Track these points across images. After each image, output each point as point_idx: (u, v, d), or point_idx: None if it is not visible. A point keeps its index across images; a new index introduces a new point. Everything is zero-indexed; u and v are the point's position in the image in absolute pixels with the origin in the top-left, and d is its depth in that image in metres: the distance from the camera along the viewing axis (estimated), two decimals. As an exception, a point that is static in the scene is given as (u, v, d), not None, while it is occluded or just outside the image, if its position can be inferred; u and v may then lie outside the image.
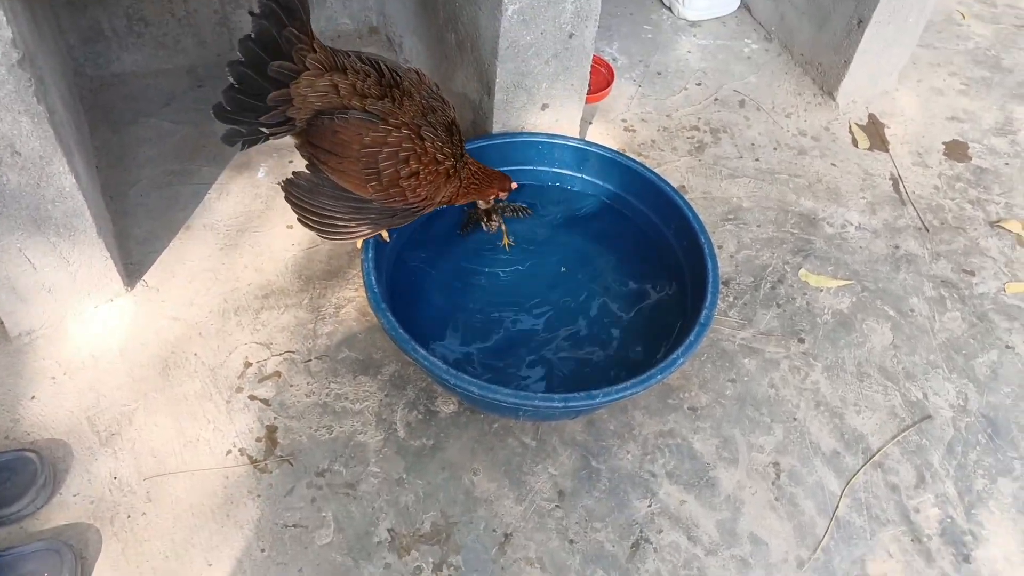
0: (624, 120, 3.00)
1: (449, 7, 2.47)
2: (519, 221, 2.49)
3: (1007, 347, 2.48)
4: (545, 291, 2.35)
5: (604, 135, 2.93)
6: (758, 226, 2.71)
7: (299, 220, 2.08)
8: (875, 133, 3.10)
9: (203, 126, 2.70)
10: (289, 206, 2.07)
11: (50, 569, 1.79)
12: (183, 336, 2.24)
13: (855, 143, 3.05)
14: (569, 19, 2.27)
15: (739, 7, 3.55)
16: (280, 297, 2.34)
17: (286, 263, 2.42)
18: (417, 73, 2.03)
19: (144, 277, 2.34)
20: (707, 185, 2.82)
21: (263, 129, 1.85)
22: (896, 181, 2.93)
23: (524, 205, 2.49)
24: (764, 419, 2.25)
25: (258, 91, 1.79)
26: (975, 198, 2.91)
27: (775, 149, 2.98)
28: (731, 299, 2.50)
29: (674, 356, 1.96)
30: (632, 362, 2.21)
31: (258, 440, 2.08)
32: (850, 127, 3.10)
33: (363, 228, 2.06)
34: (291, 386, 2.18)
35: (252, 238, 2.46)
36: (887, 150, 3.04)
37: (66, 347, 2.19)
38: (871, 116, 3.16)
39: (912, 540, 2.06)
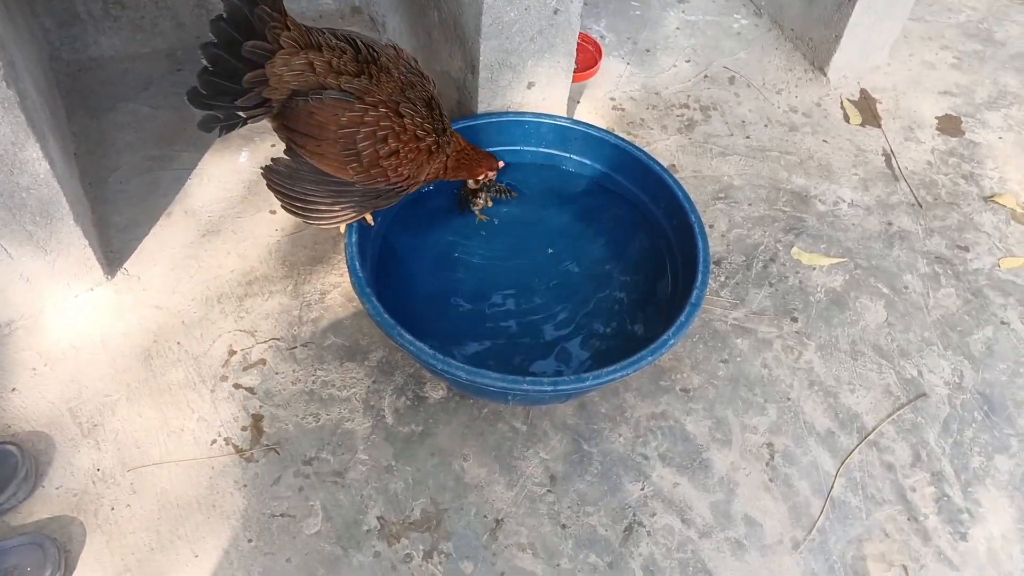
0: (613, 98, 2.96)
1: (432, -16, 2.42)
2: (505, 203, 2.44)
3: (1002, 323, 2.45)
4: (533, 273, 2.31)
5: (592, 114, 2.88)
6: (749, 204, 2.67)
7: (283, 207, 2.04)
8: (867, 108, 3.06)
9: (183, 110, 2.65)
10: (272, 193, 2.03)
11: (33, 563, 1.76)
12: (166, 325, 2.20)
13: (847, 119, 3.01)
14: (554, -6, 2.22)
15: (728, -18, 3.50)
16: (264, 284, 2.30)
17: (269, 249, 2.37)
18: (395, 48, 1.98)
19: (125, 265, 2.30)
20: (697, 163, 2.78)
21: (240, 113, 1.80)
22: (889, 157, 2.90)
23: (509, 187, 2.45)
24: (757, 399, 2.22)
25: (233, 73, 1.74)
26: (968, 173, 2.87)
27: (766, 126, 2.94)
28: (723, 278, 2.46)
29: (665, 337, 1.92)
30: (623, 344, 2.17)
31: (244, 429, 2.05)
32: (842, 103, 3.06)
33: (347, 212, 2.02)
34: (276, 374, 2.15)
35: (235, 224, 2.42)
36: (879, 125, 3.00)
37: (46, 338, 2.15)
38: (863, 91, 3.12)
39: (908, 519, 2.04)
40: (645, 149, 2.42)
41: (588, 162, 2.48)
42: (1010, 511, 2.07)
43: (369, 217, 2.11)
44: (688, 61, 3.14)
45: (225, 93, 1.75)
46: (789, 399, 2.22)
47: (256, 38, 1.73)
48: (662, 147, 2.81)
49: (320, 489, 1.97)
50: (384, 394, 2.14)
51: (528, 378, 1.88)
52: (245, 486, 1.96)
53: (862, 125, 3.00)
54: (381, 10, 2.96)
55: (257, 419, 2.06)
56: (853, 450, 2.14)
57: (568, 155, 2.49)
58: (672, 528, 1.98)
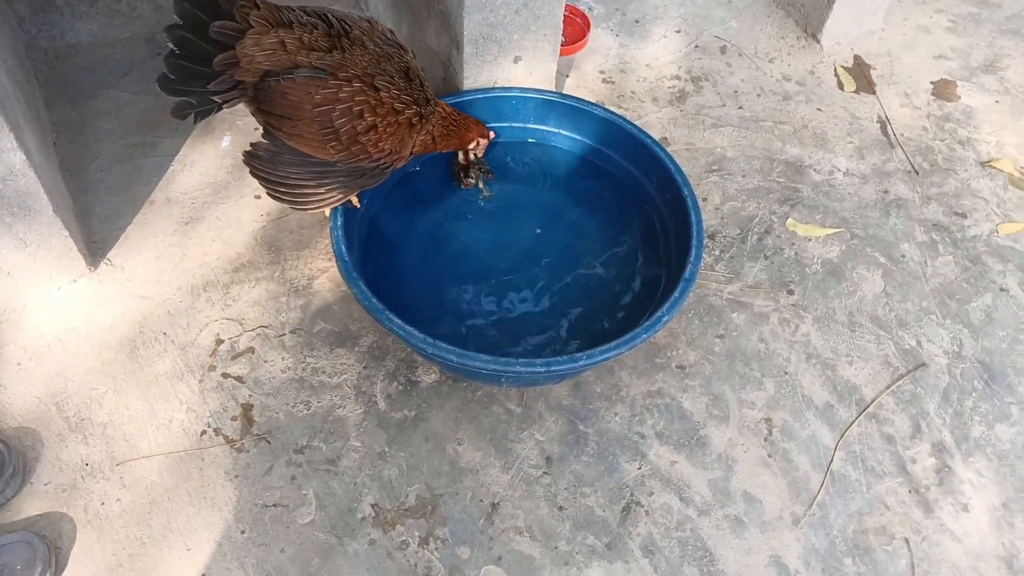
0: (602, 72, 2.91)
1: (413, -41, 2.37)
2: (494, 182, 2.40)
3: (1001, 290, 2.42)
4: (524, 252, 2.28)
5: (582, 88, 2.83)
6: (743, 176, 2.63)
7: (268, 193, 1.99)
8: (861, 75, 3.01)
9: (163, 96, 2.56)
10: (256, 180, 1.98)
11: (22, 561, 1.74)
12: (151, 315, 2.16)
13: (841, 86, 2.96)
14: (538, -35, 2.17)
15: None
16: (250, 270, 2.26)
17: (255, 235, 2.33)
18: (369, 21, 1.93)
19: (108, 255, 2.26)
20: (690, 136, 2.73)
21: (215, 98, 1.75)
22: (884, 124, 2.85)
23: (487, 167, 2.40)
24: (754, 374, 2.19)
25: (202, 56, 1.69)
26: (965, 138, 2.83)
27: (759, 96, 2.89)
28: (717, 252, 2.43)
29: (659, 314, 1.89)
30: (616, 322, 2.14)
31: (233, 419, 2.02)
32: (835, 70, 3.01)
33: (333, 194, 1.98)
34: (265, 362, 2.11)
35: (219, 210, 2.37)
36: (874, 92, 2.95)
37: (30, 332, 2.11)
38: (856, 58, 3.07)
39: (909, 491, 2.02)
40: (636, 122, 2.38)
41: (578, 137, 2.43)
42: (1012, 480, 2.05)
43: (355, 200, 2.07)
44: (678, 31, 3.09)
45: (196, 77, 1.70)
46: (787, 373, 2.19)
47: (223, 18, 1.68)
48: (653, 120, 2.76)
49: (313, 478, 1.94)
50: (375, 379, 2.10)
51: (521, 360, 1.84)
52: (236, 477, 1.93)
53: (856, 92, 2.95)
54: (363, -13, 2.91)
55: (247, 408, 2.03)
56: (852, 423, 2.12)
57: (557, 131, 2.45)
58: (670, 507, 1.96)
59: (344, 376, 2.10)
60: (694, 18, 3.15)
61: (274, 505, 1.90)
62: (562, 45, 2.53)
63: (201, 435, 1.98)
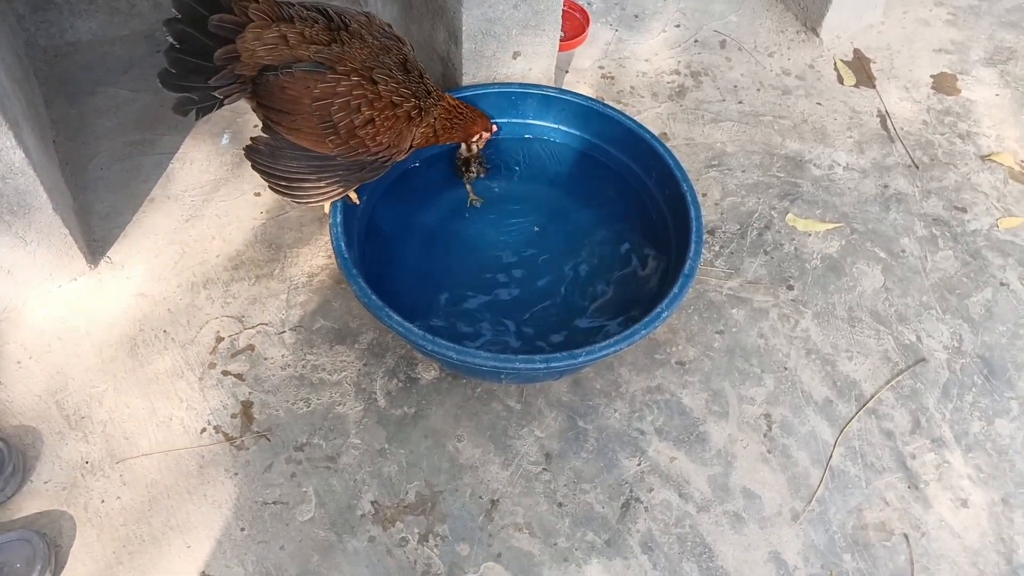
0: (601, 67, 2.90)
1: (411, -45, 2.36)
2: (493, 178, 2.39)
3: (1001, 284, 2.41)
4: (523, 247, 2.27)
5: (581, 83, 2.83)
6: (743, 171, 2.63)
7: (269, 187, 2.00)
8: (861, 69, 3.00)
9: (163, 93, 2.52)
10: (257, 174, 1.99)
11: (22, 559, 1.75)
12: (151, 313, 2.16)
13: (840, 80, 2.95)
14: (536, -39, 2.17)
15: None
16: (250, 268, 2.27)
17: (255, 232, 2.33)
18: (367, 15, 1.93)
19: (108, 253, 2.26)
20: (689, 131, 2.73)
21: (216, 94, 1.75)
22: (884, 118, 2.84)
23: (484, 162, 2.40)
24: (754, 370, 2.19)
25: (202, 50, 1.69)
26: (965, 132, 2.82)
27: (758, 90, 2.88)
28: (717, 248, 2.42)
29: (658, 310, 1.89)
30: (616, 317, 2.13)
31: (233, 416, 2.02)
32: (835, 64, 3.00)
33: (334, 187, 1.98)
34: (265, 359, 2.11)
35: (219, 207, 2.37)
36: (874, 86, 2.94)
37: (30, 330, 2.11)
38: (856, 51, 3.06)
39: (909, 487, 2.02)
40: (635, 118, 2.37)
41: (577, 133, 2.43)
42: (1011, 475, 2.05)
43: (354, 196, 2.07)
44: (678, 26, 3.08)
45: (196, 72, 1.71)
46: (786, 368, 2.19)
47: (222, 12, 1.68)
48: (653, 115, 2.76)
49: (313, 475, 1.95)
50: (375, 377, 2.11)
51: (520, 356, 1.85)
52: (236, 474, 1.93)
53: (856, 86, 2.94)
54: (362, -17, 2.90)
55: (247, 406, 2.04)
56: (852, 418, 2.12)
57: (556, 126, 2.44)
58: (670, 503, 1.96)
59: (344, 373, 2.11)
60: (693, 12, 3.14)
61: (274, 502, 1.90)
62: (561, 40, 2.53)
63: (201, 433, 1.99)
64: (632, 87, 2.84)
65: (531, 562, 1.86)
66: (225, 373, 2.08)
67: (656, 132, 2.55)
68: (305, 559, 1.83)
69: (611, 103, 2.68)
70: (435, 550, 1.86)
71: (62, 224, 2.05)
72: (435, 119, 2.06)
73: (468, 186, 2.36)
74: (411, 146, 2.03)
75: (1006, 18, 3.25)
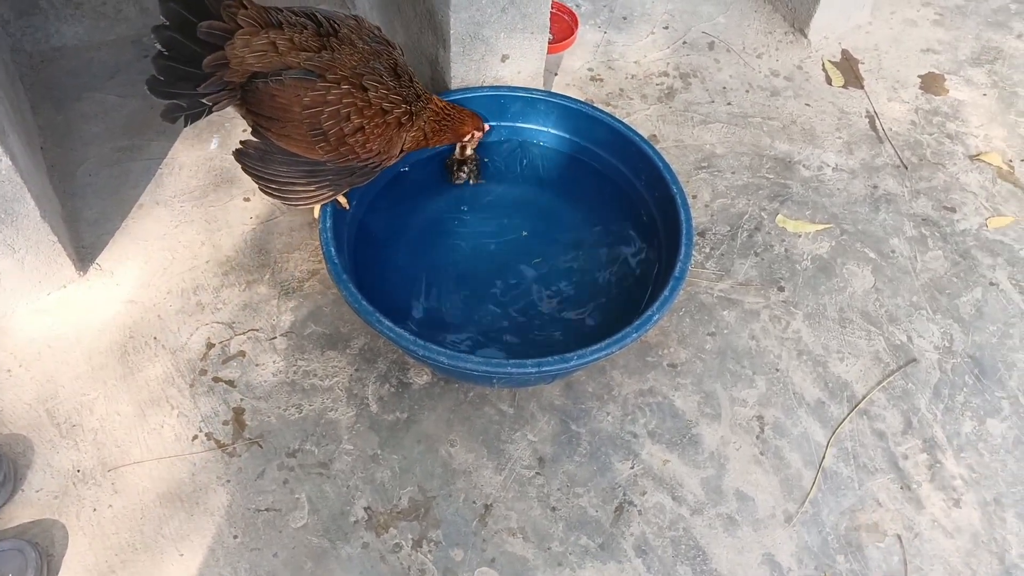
0: (590, 69, 2.90)
1: (399, -41, 2.36)
2: (483, 182, 2.39)
3: (991, 284, 2.43)
4: (514, 251, 2.27)
5: (570, 86, 2.83)
6: (733, 173, 2.63)
7: (260, 189, 1.99)
8: (849, 69, 3.01)
9: (151, 99, 2.50)
10: (247, 177, 1.98)
11: (14, 569, 1.73)
12: (141, 320, 2.15)
13: (829, 81, 2.96)
14: (524, -36, 2.16)
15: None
16: (240, 273, 2.26)
17: (245, 237, 2.32)
18: (356, 19, 1.92)
19: (97, 260, 2.25)
20: (679, 133, 2.73)
21: (204, 100, 1.74)
22: (872, 118, 2.85)
23: (477, 164, 2.39)
24: (746, 372, 2.19)
25: (190, 57, 1.68)
26: (953, 132, 2.83)
27: (747, 92, 2.89)
28: (707, 250, 2.43)
29: (649, 313, 1.89)
30: (607, 321, 2.13)
31: (225, 423, 2.01)
32: (823, 64, 3.01)
33: (324, 191, 1.97)
34: (257, 365, 2.11)
35: (208, 213, 2.36)
36: (862, 86, 2.95)
37: (20, 338, 2.10)
38: (844, 52, 3.07)
39: (901, 487, 2.02)
40: (625, 120, 2.37)
41: (567, 136, 2.43)
42: (1003, 475, 2.06)
43: (344, 201, 2.07)
44: (666, 27, 3.08)
45: (185, 79, 1.69)
46: (778, 370, 2.20)
47: (210, 18, 1.67)
48: (642, 117, 2.76)
49: (305, 481, 1.94)
50: (367, 382, 2.10)
51: (512, 360, 1.84)
52: (228, 481, 1.93)
53: (844, 87, 2.95)
54: (350, -13, 2.89)
55: (238, 413, 2.03)
56: (844, 419, 2.12)
57: (546, 129, 2.44)
58: (663, 506, 1.96)
59: (336, 379, 2.10)
60: (681, 14, 3.14)
61: (266, 509, 1.90)
62: (550, 43, 2.53)
63: (193, 440, 1.98)
64: (621, 89, 2.85)
65: (525, 567, 1.86)
66: (216, 380, 2.07)
67: (645, 134, 2.55)
68: (298, 566, 1.83)
69: (600, 105, 2.68)
70: (429, 556, 1.86)
71: (50, 231, 2.03)
72: (424, 122, 2.05)
73: (467, 169, 2.35)
74: (402, 151, 2.03)
75: (993, 18, 3.27)
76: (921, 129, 2.83)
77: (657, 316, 1.90)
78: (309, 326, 2.18)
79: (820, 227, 2.51)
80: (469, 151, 2.32)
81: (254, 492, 1.92)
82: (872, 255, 2.46)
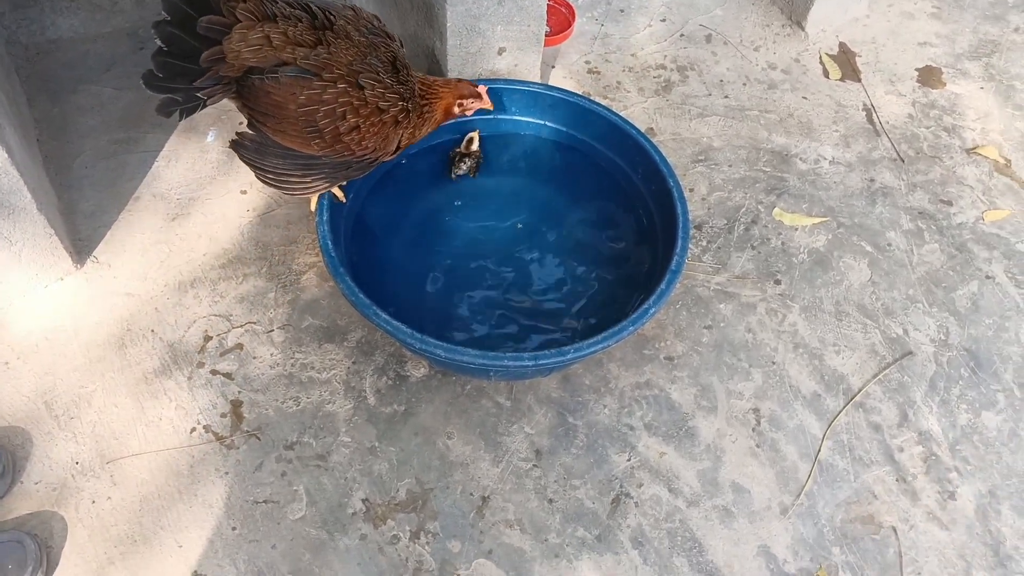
0: (587, 62, 2.90)
1: (396, -49, 2.35)
2: (479, 173, 2.39)
3: (987, 277, 2.43)
4: (511, 244, 2.27)
5: (567, 78, 2.82)
6: (730, 166, 2.63)
7: (257, 177, 2.00)
8: (846, 63, 3.01)
9: (147, 91, 2.57)
10: (244, 165, 1.98)
11: (13, 561, 1.74)
12: (138, 312, 2.15)
13: (826, 74, 2.96)
14: (521, -43, 2.16)
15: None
16: (238, 266, 2.26)
17: (242, 230, 2.32)
18: (353, 10, 1.90)
19: (94, 252, 2.25)
20: (676, 126, 2.73)
21: (200, 95, 1.74)
22: (869, 111, 2.85)
23: (479, 158, 2.40)
24: (742, 365, 2.20)
25: (189, 52, 1.67)
26: (950, 125, 2.84)
27: (744, 85, 2.89)
28: (704, 243, 2.43)
29: (646, 306, 1.90)
30: (604, 314, 2.14)
31: (223, 416, 2.01)
32: (820, 57, 3.01)
33: (319, 183, 1.98)
34: (254, 358, 2.11)
35: (205, 206, 2.36)
36: (859, 80, 2.95)
37: (17, 330, 2.10)
38: (842, 45, 3.07)
39: (897, 480, 2.03)
40: (622, 113, 2.37)
41: (563, 129, 2.43)
42: (998, 467, 2.07)
43: (340, 194, 2.07)
44: (663, 20, 3.08)
45: (182, 74, 1.69)
46: (774, 363, 2.20)
47: (210, 12, 1.66)
48: (639, 110, 2.76)
49: (303, 473, 1.95)
50: (365, 374, 2.11)
51: (509, 353, 1.85)
52: (227, 473, 1.93)
53: (842, 80, 2.95)
54: (347, -21, 2.89)
55: (236, 405, 2.03)
56: (839, 412, 2.13)
57: (543, 122, 2.44)
58: (659, 498, 1.97)
59: (333, 371, 2.10)
60: (679, 7, 3.14)
61: (265, 501, 1.90)
62: (547, 35, 2.53)
63: (191, 432, 1.98)
64: (618, 82, 2.85)
65: (522, 558, 1.87)
66: (214, 372, 2.08)
67: (642, 127, 2.55)
68: (297, 557, 1.83)
69: (597, 98, 2.68)
70: (426, 547, 1.87)
71: (47, 224, 2.03)
72: (418, 115, 2.01)
73: (467, 163, 2.35)
74: (399, 147, 2.02)
75: (990, 11, 3.27)
76: (918, 122, 2.84)
77: (654, 309, 1.90)
78: (306, 319, 2.18)
79: (817, 220, 2.52)
80: (475, 146, 2.32)
81: (252, 484, 1.92)
82: (868, 248, 2.46)
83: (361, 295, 1.86)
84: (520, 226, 2.31)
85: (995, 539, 1.96)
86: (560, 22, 2.84)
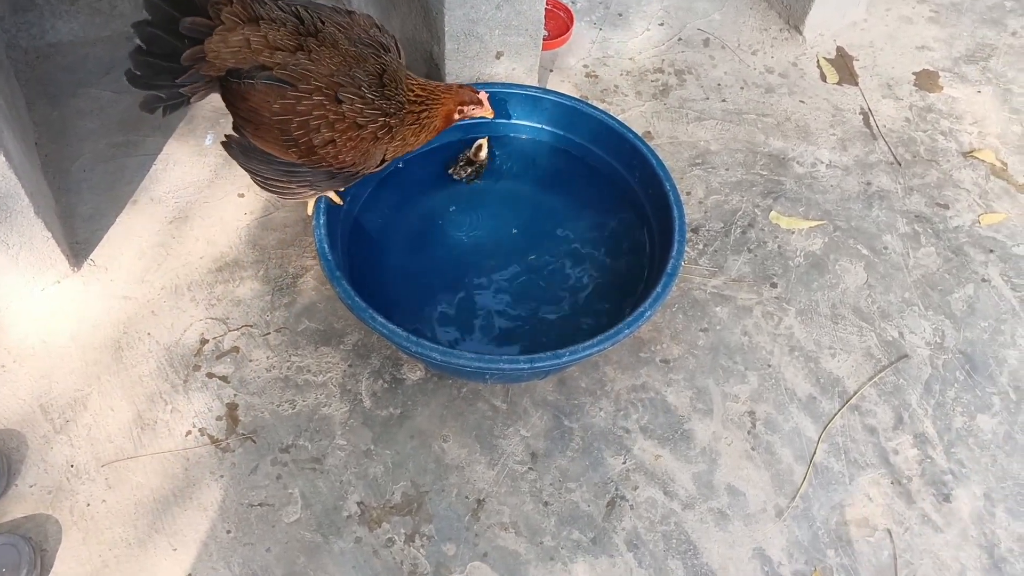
0: (586, 66, 2.90)
1: (393, -45, 2.36)
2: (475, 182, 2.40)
3: (983, 280, 2.43)
4: (507, 248, 2.28)
5: (565, 82, 2.83)
6: (727, 169, 2.64)
7: (251, 179, 2.00)
8: (844, 67, 3.01)
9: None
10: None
11: (8, 564, 1.74)
12: (135, 315, 2.16)
13: (824, 78, 2.96)
14: (517, -39, 2.17)
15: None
16: (234, 269, 2.26)
17: (239, 233, 2.33)
18: (349, 16, 1.86)
19: (91, 256, 2.25)
20: (673, 129, 2.74)
21: (182, 91, 1.74)
22: (866, 115, 2.86)
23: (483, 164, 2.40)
24: (738, 367, 2.20)
25: (170, 52, 1.66)
26: (947, 129, 2.84)
27: (742, 88, 2.89)
28: (701, 246, 2.43)
29: (642, 309, 1.90)
30: (600, 317, 2.14)
31: (219, 419, 2.02)
32: (818, 62, 3.02)
33: (304, 190, 1.98)
34: (250, 361, 2.11)
35: (202, 209, 2.37)
36: (856, 84, 2.96)
37: (14, 333, 2.11)
38: (839, 49, 3.07)
39: (892, 483, 2.03)
40: (619, 116, 2.38)
41: (561, 132, 2.43)
42: (993, 470, 2.07)
43: (337, 197, 2.07)
44: (661, 24, 3.09)
45: (164, 73, 1.69)
46: (770, 366, 2.21)
47: (196, 13, 1.66)
48: (637, 114, 2.76)
49: (298, 476, 1.95)
50: (361, 378, 2.11)
51: (505, 356, 1.86)
52: (222, 476, 1.93)
53: (839, 84, 2.95)
54: (345, -17, 2.90)
55: (232, 408, 2.04)
56: (835, 415, 2.13)
57: (540, 126, 2.44)
58: (655, 501, 1.97)
59: (329, 374, 2.11)
60: (677, 11, 3.14)
61: (260, 504, 1.90)
62: (545, 39, 2.54)
63: (186, 435, 1.99)
64: (616, 86, 2.85)
65: (517, 561, 1.87)
66: (210, 375, 2.08)
67: (640, 131, 2.55)
68: (291, 561, 1.83)
69: (595, 102, 2.68)
70: (421, 550, 1.87)
71: (44, 227, 2.04)
72: (407, 128, 1.95)
73: (470, 170, 2.35)
74: (384, 160, 1.97)
75: (987, 15, 3.27)
76: (915, 126, 2.84)
77: (649, 312, 1.91)
78: (303, 322, 2.19)
79: (813, 224, 2.52)
80: (483, 154, 2.32)
81: (247, 487, 1.92)
82: (865, 251, 2.47)
83: (357, 298, 1.86)
84: (515, 230, 2.31)
85: (990, 542, 1.96)
86: (558, 26, 2.85)
